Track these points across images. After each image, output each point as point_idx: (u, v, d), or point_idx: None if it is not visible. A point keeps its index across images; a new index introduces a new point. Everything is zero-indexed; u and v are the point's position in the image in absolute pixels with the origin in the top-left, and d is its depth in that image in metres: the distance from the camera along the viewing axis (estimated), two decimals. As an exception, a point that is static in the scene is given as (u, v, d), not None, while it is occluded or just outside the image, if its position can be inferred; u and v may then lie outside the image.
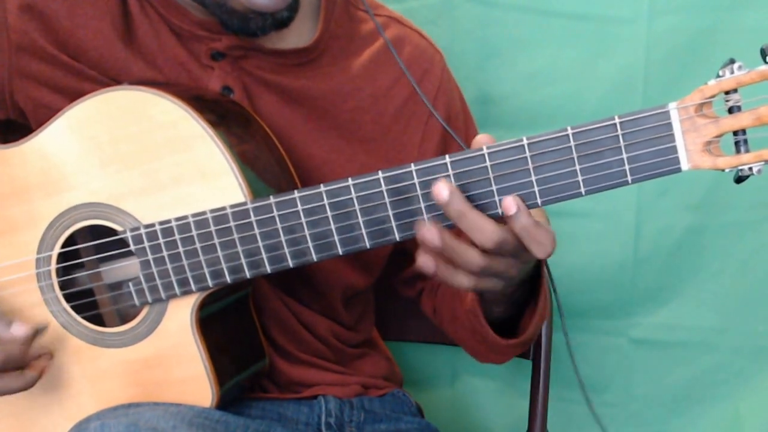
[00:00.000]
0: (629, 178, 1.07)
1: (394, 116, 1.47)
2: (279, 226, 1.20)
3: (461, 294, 1.39)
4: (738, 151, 1.04)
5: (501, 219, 1.10)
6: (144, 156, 1.26)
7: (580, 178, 1.08)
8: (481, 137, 1.12)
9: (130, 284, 1.28)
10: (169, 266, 1.26)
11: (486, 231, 1.09)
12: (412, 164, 1.12)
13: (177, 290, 1.27)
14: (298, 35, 1.43)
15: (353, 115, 1.45)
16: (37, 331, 1.30)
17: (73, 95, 1.31)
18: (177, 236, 1.25)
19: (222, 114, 1.30)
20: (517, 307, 1.35)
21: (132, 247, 1.27)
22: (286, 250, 1.21)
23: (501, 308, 1.32)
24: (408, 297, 1.63)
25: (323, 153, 1.43)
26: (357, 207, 1.16)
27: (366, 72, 1.46)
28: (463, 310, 1.38)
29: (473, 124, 1.60)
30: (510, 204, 1.08)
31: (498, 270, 1.14)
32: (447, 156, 1.10)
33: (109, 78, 1.37)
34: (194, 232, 1.24)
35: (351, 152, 1.44)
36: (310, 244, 1.20)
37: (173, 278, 1.26)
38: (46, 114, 1.33)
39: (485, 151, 1.10)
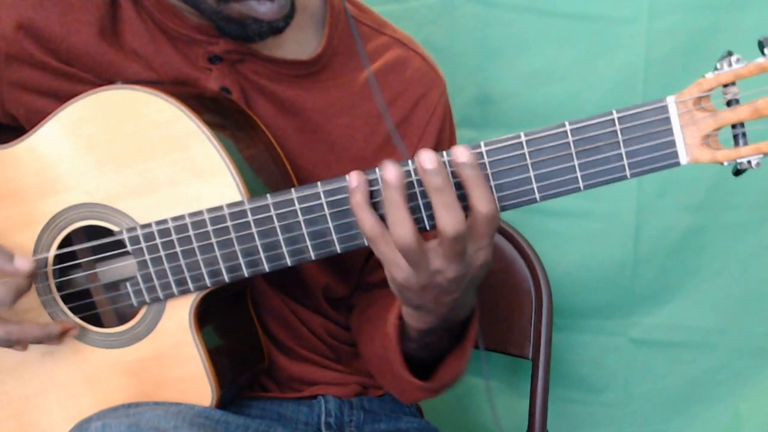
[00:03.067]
0: (628, 173, 1.06)
1: (386, 137, 1.45)
2: (276, 225, 1.19)
3: (385, 316, 1.35)
4: (736, 144, 1.04)
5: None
6: (139, 155, 1.25)
7: (578, 173, 1.08)
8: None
9: (128, 284, 1.28)
10: (166, 266, 1.26)
11: (457, 216, 1.07)
12: (410, 161, 1.11)
13: (175, 290, 1.26)
14: (298, 44, 1.43)
15: (346, 131, 1.44)
16: (39, 263, 1.31)
17: (66, 98, 1.30)
18: (174, 236, 1.24)
19: (219, 113, 1.30)
20: (432, 353, 1.33)
21: (129, 248, 1.26)
22: (284, 249, 1.21)
23: (415, 345, 1.30)
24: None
25: (311, 166, 1.42)
26: (355, 205, 1.15)
27: (363, 90, 1.45)
28: (381, 332, 1.35)
29: None
30: (461, 151, 1.07)
31: (428, 265, 1.11)
32: (444, 152, 1.10)
33: (104, 80, 1.37)
34: (191, 232, 1.23)
35: (339, 169, 1.41)
36: (308, 243, 1.19)
37: (171, 278, 1.26)
38: (40, 119, 1.32)
39: (483, 148, 1.09)
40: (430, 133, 1.48)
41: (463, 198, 1.08)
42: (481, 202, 1.07)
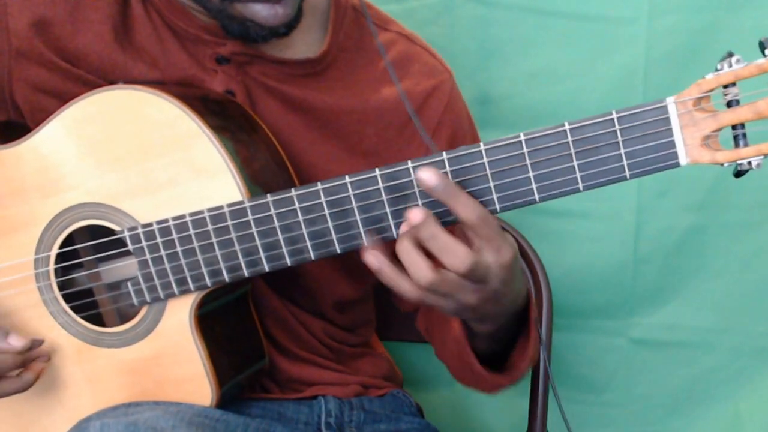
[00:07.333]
0: (627, 173, 1.06)
1: (398, 129, 1.45)
2: (276, 224, 1.20)
3: (449, 320, 1.36)
4: (737, 145, 1.03)
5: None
6: (141, 155, 1.25)
7: (578, 174, 1.08)
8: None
9: (129, 284, 1.28)
10: (167, 266, 1.26)
11: (459, 255, 1.08)
12: (409, 161, 1.11)
13: (175, 290, 1.27)
14: (306, 44, 1.43)
15: (357, 128, 1.44)
16: (33, 344, 1.31)
17: (71, 99, 1.31)
18: (175, 236, 1.24)
19: (221, 114, 1.30)
20: (503, 345, 1.33)
21: (130, 247, 1.27)
22: (284, 249, 1.21)
23: (484, 345, 1.31)
24: (405, 312, 1.59)
25: (323, 162, 1.42)
26: (354, 205, 1.15)
27: (373, 85, 1.45)
28: (451, 336, 1.36)
29: None
30: (427, 174, 1.07)
31: (449, 291, 1.12)
32: (444, 153, 1.10)
33: (109, 82, 1.37)
34: (192, 232, 1.23)
35: (352, 163, 1.43)
36: (308, 243, 1.19)
37: (171, 278, 1.26)
38: (44, 118, 1.33)
39: (483, 147, 1.09)
40: (446, 125, 1.48)
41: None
42: (466, 209, 1.08)
